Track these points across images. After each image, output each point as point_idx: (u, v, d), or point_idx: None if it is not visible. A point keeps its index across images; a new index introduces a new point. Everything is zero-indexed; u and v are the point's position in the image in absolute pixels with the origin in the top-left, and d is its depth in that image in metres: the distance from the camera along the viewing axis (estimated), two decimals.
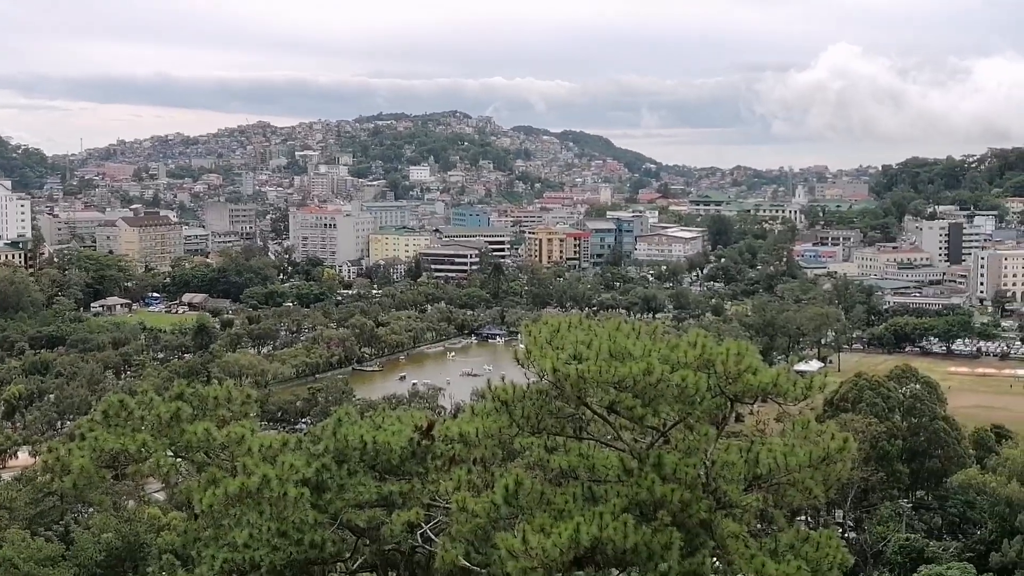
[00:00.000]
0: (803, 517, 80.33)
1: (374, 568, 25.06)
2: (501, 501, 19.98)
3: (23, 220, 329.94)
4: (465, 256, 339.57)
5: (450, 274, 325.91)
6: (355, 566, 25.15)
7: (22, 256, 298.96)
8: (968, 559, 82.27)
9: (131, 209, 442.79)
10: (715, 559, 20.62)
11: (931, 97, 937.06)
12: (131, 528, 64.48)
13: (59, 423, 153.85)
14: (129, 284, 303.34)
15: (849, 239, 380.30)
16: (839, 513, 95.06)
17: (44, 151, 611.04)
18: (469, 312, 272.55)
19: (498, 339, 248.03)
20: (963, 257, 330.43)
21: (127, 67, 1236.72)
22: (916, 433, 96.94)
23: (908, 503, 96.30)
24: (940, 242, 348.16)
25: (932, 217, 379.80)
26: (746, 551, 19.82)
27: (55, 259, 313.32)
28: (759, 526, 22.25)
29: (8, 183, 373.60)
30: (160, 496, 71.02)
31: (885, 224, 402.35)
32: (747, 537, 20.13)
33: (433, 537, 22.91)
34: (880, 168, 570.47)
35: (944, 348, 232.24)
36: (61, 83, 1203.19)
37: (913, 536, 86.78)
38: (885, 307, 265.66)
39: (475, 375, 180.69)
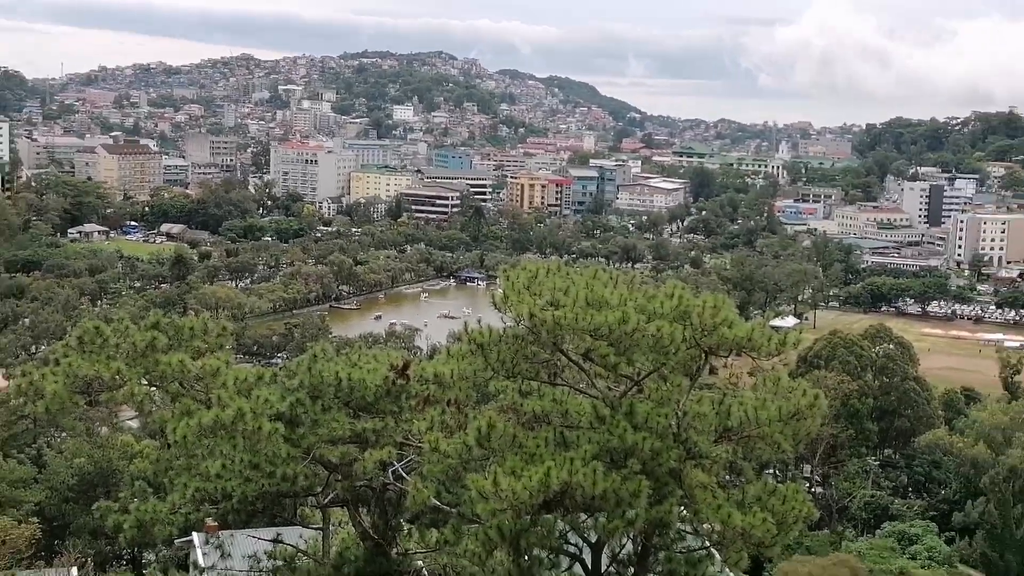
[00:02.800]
0: (771, 470, 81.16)
1: (345, 503, 25.26)
2: (473, 443, 20.12)
3: (1, 143, 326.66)
4: (446, 198, 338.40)
5: (431, 215, 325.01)
6: (326, 500, 25.37)
7: (0, 179, 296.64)
8: (931, 518, 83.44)
9: (111, 136, 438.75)
10: (682, 508, 20.84)
11: (916, 58, 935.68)
12: (103, 454, 64.72)
13: (33, 347, 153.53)
14: (107, 212, 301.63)
15: (831, 197, 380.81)
16: (807, 468, 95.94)
17: (24, 74, 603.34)
18: (448, 254, 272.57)
19: (477, 282, 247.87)
20: (943, 220, 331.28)
21: None
22: (887, 392, 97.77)
23: (875, 461, 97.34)
24: (921, 204, 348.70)
25: (914, 178, 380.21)
26: (713, 501, 20.05)
27: (33, 183, 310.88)
28: (727, 477, 22.49)
29: None
30: (133, 424, 71.24)
31: (867, 183, 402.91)
32: (715, 488, 20.35)
33: (405, 476, 23.10)
34: (864, 127, 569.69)
35: (920, 309, 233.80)
36: (42, 5, 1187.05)
37: (879, 493, 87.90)
38: (863, 266, 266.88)
39: (453, 317, 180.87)
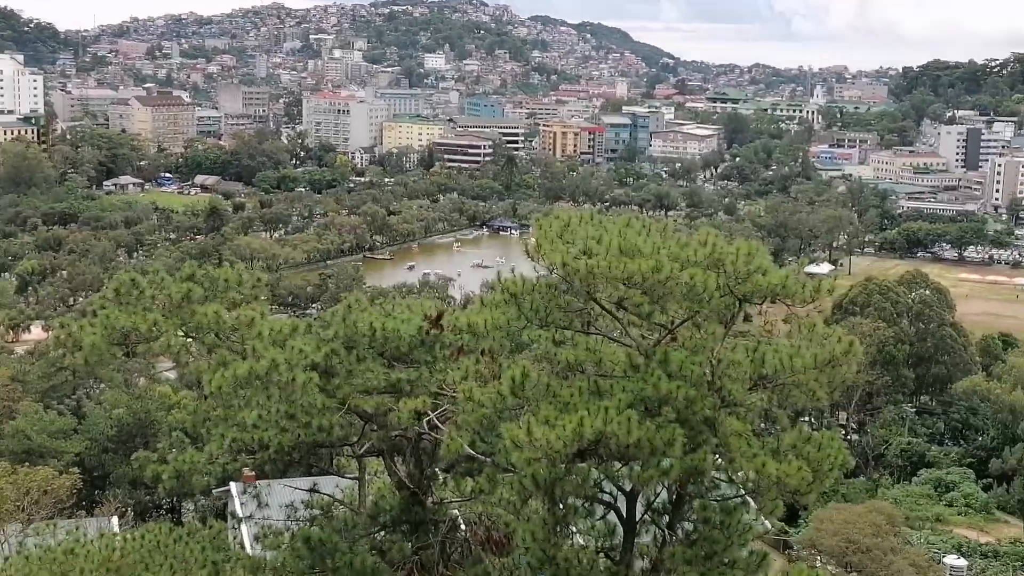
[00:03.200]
0: (807, 418, 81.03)
1: (380, 453, 25.40)
2: (507, 392, 20.11)
3: (36, 95, 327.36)
4: (479, 147, 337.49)
5: (463, 165, 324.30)
6: (362, 450, 25.50)
7: (35, 132, 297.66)
8: (968, 465, 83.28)
9: (144, 88, 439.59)
10: (717, 456, 20.81)
11: None
12: (142, 405, 65.47)
13: (71, 299, 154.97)
14: (142, 164, 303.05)
15: (866, 142, 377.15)
16: (843, 415, 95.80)
17: (56, 26, 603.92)
18: (481, 204, 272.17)
19: (510, 232, 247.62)
20: (980, 163, 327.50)
21: None
22: (923, 339, 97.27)
23: (912, 408, 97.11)
24: (958, 147, 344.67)
25: (951, 122, 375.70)
26: (748, 449, 20.00)
27: (68, 136, 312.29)
28: (762, 425, 22.41)
29: (20, 57, 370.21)
30: (171, 375, 71.94)
31: (903, 127, 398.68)
32: (750, 436, 20.27)
33: (440, 425, 23.14)
34: (900, 70, 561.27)
35: (956, 255, 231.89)
36: None
37: (915, 440, 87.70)
38: (899, 211, 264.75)
39: (486, 267, 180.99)
